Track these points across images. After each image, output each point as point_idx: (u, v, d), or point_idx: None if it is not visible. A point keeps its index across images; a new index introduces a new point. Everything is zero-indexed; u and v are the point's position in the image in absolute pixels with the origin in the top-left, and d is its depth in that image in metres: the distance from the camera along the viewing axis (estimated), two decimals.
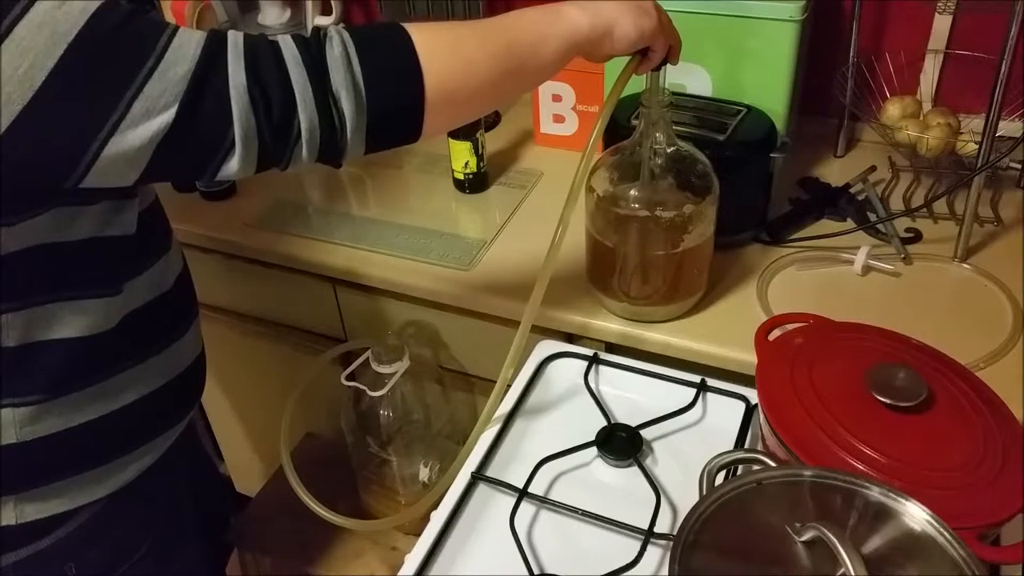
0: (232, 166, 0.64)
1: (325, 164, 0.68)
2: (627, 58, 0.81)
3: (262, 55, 0.63)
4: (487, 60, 0.70)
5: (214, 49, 0.62)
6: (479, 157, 1.24)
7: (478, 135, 1.22)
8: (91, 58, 0.58)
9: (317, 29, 0.67)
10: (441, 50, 0.68)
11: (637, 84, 0.84)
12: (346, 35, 0.66)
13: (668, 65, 0.84)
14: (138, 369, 0.80)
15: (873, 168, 1.19)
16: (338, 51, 0.65)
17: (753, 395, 0.81)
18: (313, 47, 0.65)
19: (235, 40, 0.63)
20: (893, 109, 1.19)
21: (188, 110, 0.60)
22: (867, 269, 1.05)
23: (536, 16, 0.73)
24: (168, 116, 0.60)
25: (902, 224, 1.12)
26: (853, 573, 0.48)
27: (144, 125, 0.60)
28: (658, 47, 0.79)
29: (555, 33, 0.73)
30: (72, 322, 0.73)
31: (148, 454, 0.83)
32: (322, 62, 0.64)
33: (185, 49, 0.61)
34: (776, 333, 0.83)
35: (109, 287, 0.75)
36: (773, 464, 0.63)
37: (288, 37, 0.65)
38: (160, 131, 0.60)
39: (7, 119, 0.57)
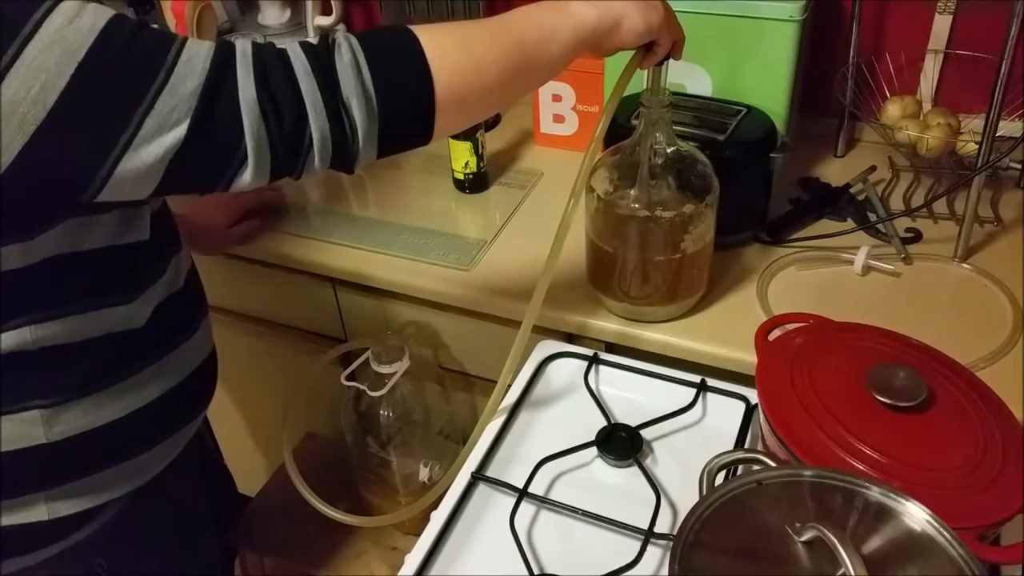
0: (245, 178, 0.64)
1: (338, 171, 0.69)
2: (629, 54, 0.81)
3: (271, 66, 0.63)
4: (497, 60, 0.70)
5: (223, 61, 0.62)
6: (479, 157, 1.24)
7: (478, 135, 1.22)
8: (102, 76, 0.58)
9: (325, 36, 0.67)
10: (450, 52, 0.68)
11: (637, 84, 0.84)
12: (355, 41, 0.66)
13: (670, 63, 0.84)
14: (158, 366, 0.81)
15: (873, 168, 1.19)
16: (347, 58, 0.65)
17: (753, 395, 0.81)
18: (323, 55, 0.65)
19: (243, 51, 0.63)
20: (893, 109, 1.19)
21: (200, 125, 0.61)
22: (867, 269, 1.05)
23: (543, 12, 0.73)
24: (180, 131, 0.60)
25: (902, 224, 1.12)
26: (853, 573, 0.48)
27: (157, 141, 0.60)
28: (663, 41, 0.79)
29: (563, 29, 0.73)
30: (95, 327, 0.74)
31: (170, 449, 0.85)
32: (332, 71, 0.64)
33: (194, 63, 0.61)
34: (776, 333, 0.83)
35: (129, 293, 0.76)
36: (773, 464, 0.63)
37: (296, 45, 0.65)
38: (173, 146, 0.60)
39: (22, 140, 0.57)
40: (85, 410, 0.75)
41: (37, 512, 0.76)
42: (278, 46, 0.65)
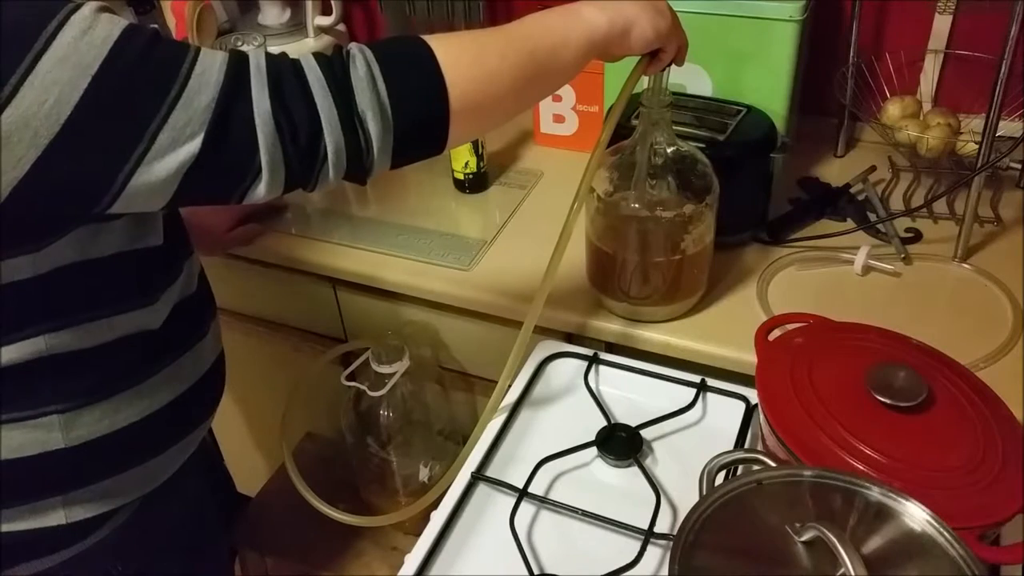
0: (259, 191, 0.64)
1: (351, 182, 0.69)
2: (632, 59, 0.81)
3: (286, 79, 0.63)
4: (510, 69, 0.69)
5: (237, 75, 0.61)
6: (479, 157, 1.24)
7: None
8: (116, 90, 0.58)
9: (339, 47, 0.67)
10: (464, 63, 0.68)
11: (638, 84, 0.84)
12: (369, 54, 0.66)
13: (672, 66, 0.84)
14: (173, 368, 0.81)
15: (873, 168, 1.19)
16: (362, 71, 0.64)
17: (753, 395, 0.81)
18: (337, 68, 0.64)
19: (257, 64, 0.63)
20: (893, 109, 1.19)
21: (214, 139, 0.60)
22: (867, 269, 1.05)
23: (554, 19, 0.73)
24: (194, 146, 0.60)
25: (902, 224, 1.12)
26: (853, 573, 0.48)
27: (170, 155, 0.60)
28: (669, 48, 0.80)
29: (575, 35, 0.73)
30: (110, 333, 0.74)
31: (184, 450, 0.85)
32: (347, 84, 0.64)
33: (208, 75, 0.60)
34: (776, 333, 0.83)
35: (144, 298, 0.76)
36: (773, 464, 0.63)
37: (310, 58, 0.65)
38: (186, 161, 0.60)
39: (35, 153, 0.57)
40: (102, 414, 0.75)
41: (55, 516, 0.76)
42: (291, 57, 0.65)
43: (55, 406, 0.72)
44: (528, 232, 1.17)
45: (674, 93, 0.88)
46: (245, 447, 1.55)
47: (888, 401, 0.68)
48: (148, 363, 0.78)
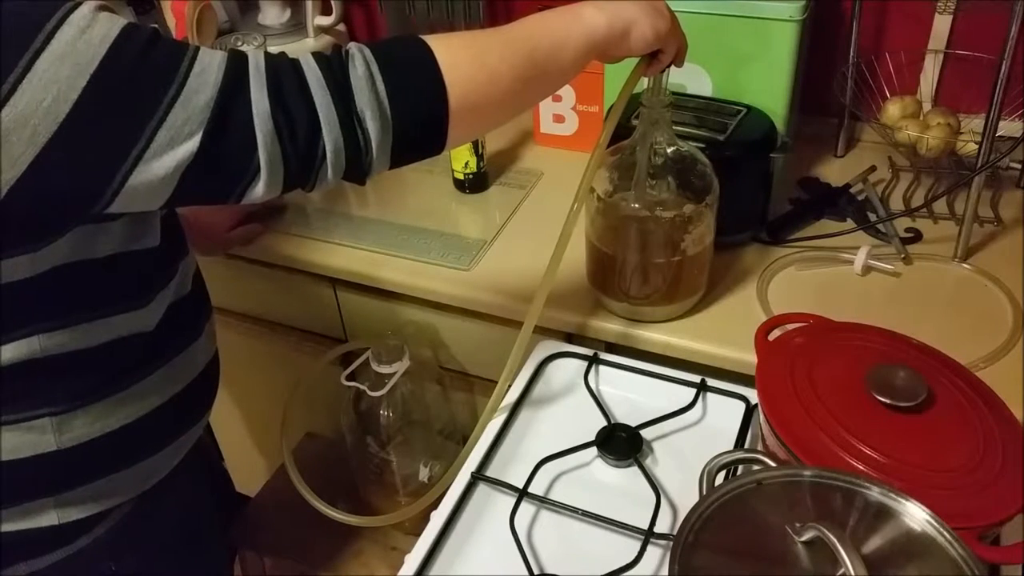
0: (258, 191, 0.64)
1: (350, 182, 0.69)
2: (632, 59, 0.81)
3: (284, 78, 0.63)
4: (510, 69, 0.69)
5: (235, 74, 0.61)
6: (479, 157, 1.24)
7: None
8: (114, 89, 0.58)
9: (338, 47, 0.67)
10: (464, 63, 0.68)
11: (637, 84, 0.84)
12: (368, 53, 0.66)
13: (672, 67, 0.84)
14: (167, 369, 0.81)
15: (873, 168, 1.19)
16: (361, 71, 0.64)
17: (753, 395, 0.81)
18: (336, 68, 0.64)
19: (256, 63, 0.62)
20: (893, 109, 1.19)
21: (212, 138, 0.60)
22: (867, 269, 1.05)
23: (554, 20, 0.73)
24: (192, 145, 0.60)
25: (902, 224, 1.12)
26: (853, 573, 0.48)
27: (169, 154, 0.60)
28: (668, 49, 0.80)
29: (575, 35, 0.73)
30: (105, 335, 0.74)
31: (178, 451, 0.85)
32: (346, 83, 0.64)
33: (207, 75, 0.60)
34: (776, 333, 0.83)
35: (139, 299, 0.76)
36: (773, 464, 0.63)
37: (309, 57, 0.65)
38: (185, 160, 0.60)
39: (33, 152, 0.57)
40: (96, 416, 0.75)
41: (47, 517, 0.76)
42: (290, 57, 0.65)
43: (48, 408, 0.72)
44: (528, 232, 1.17)
45: (674, 93, 0.89)
46: (245, 447, 1.55)
47: (888, 401, 0.68)
48: (142, 364, 0.78)
